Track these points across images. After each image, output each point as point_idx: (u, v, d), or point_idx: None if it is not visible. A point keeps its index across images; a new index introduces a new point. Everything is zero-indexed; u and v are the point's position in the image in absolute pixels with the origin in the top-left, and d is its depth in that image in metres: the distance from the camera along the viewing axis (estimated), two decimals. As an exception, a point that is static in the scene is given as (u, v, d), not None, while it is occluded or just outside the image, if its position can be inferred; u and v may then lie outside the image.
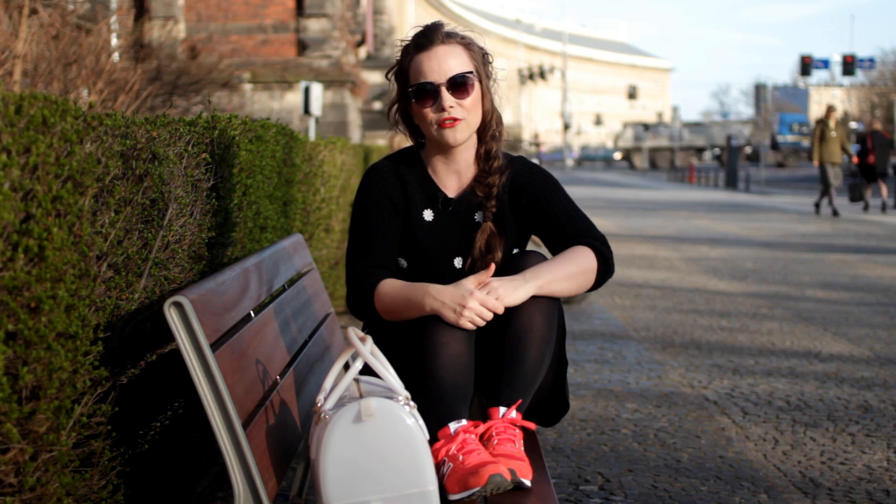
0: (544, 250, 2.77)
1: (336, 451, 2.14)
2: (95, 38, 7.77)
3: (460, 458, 2.25)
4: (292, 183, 4.81)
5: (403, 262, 2.68)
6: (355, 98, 17.77)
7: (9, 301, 1.73)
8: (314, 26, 16.14)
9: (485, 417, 2.44)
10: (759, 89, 34.41)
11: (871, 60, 45.18)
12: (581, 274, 2.55)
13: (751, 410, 4.65)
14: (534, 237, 2.78)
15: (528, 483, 2.26)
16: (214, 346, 2.15)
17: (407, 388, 2.26)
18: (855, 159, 20.22)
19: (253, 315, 2.63)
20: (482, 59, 2.64)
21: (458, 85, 2.56)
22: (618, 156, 68.31)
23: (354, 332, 2.27)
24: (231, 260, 3.25)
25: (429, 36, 2.59)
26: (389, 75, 2.68)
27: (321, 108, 12.61)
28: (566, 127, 62.94)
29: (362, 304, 2.57)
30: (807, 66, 36.97)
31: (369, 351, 2.25)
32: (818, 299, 8.15)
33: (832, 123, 18.80)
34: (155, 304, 2.50)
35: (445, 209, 2.66)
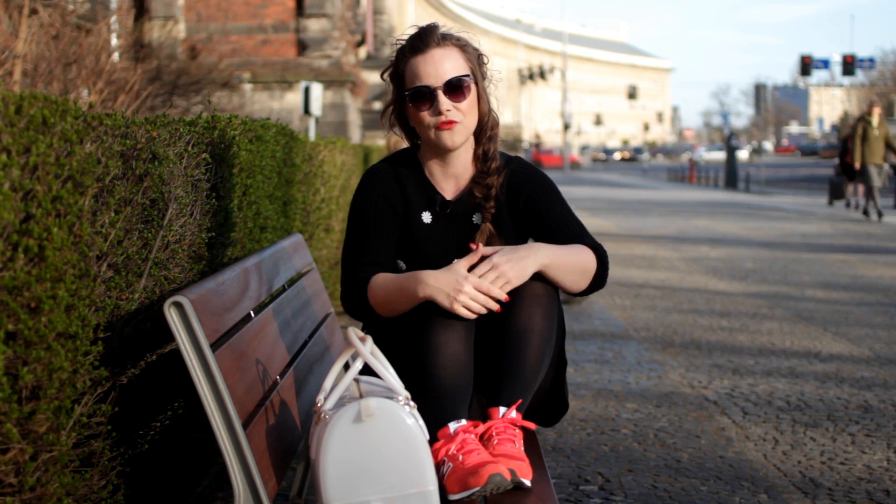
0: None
1: (336, 451, 2.14)
2: (95, 38, 7.77)
3: (460, 458, 2.25)
4: (292, 183, 4.81)
5: (402, 265, 2.68)
6: (355, 98, 17.78)
7: (9, 301, 1.73)
8: (314, 26, 16.14)
9: (485, 417, 2.44)
10: (759, 89, 34.35)
11: (871, 60, 45.16)
12: (581, 271, 2.55)
13: (751, 410, 4.65)
14: (531, 240, 2.78)
15: (528, 483, 2.26)
16: (214, 346, 2.15)
17: (407, 388, 2.26)
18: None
19: (253, 315, 2.63)
20: (478, 60, 2.64)
21: (455, 88, 2.55)
22: (617, 156, 68.22)
23: (354, 332, 2.27)
24: (231, 260, 3.25)
25: (424, 38, 2.58)
26: (385, 76, 2.68)
27: (321, 108, 12.62)
28: (566, 127, 62.95)
29: (356, 299, 2.56)
30: (807, 66, 36.95)
31: (369, 351, 2.25)
32: (818, 299, 8.15)
33: (876, 121, 17.09)
34: (155, 304, 2.50)
35: (443, 211, 2.66)
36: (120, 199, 2.32)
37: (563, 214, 2.65)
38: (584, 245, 2.59)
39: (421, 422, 2.21)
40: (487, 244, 2.62)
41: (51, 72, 6.85)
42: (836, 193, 21.37)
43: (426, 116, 2.56)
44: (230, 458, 2.12)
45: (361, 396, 2.22)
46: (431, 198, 2.66)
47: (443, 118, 2.54)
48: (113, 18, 10.54)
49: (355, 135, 17.11)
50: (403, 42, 2.62)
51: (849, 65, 36.63)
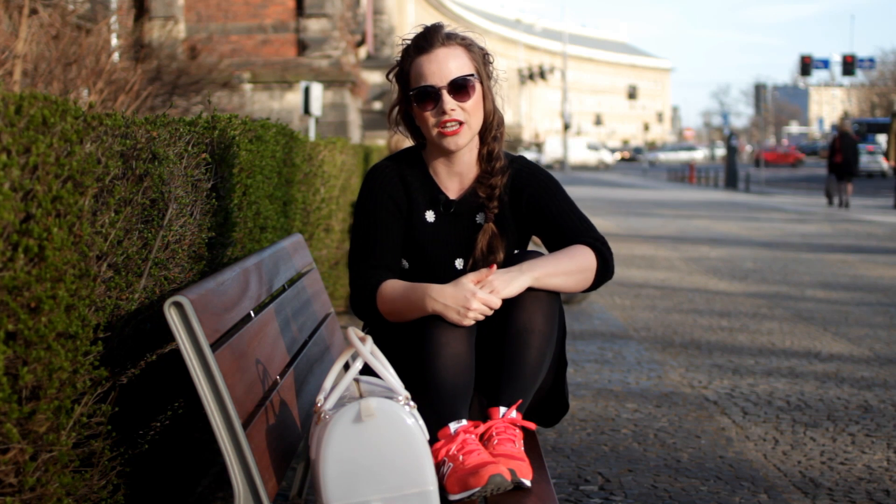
0: (545, 251, 2.76)
1: (336, 451, 2.14)
2: (95, 38, 7.76)
3: (460, 458, 2.25)
4: (292, 183, 4.80)
5: (405, 263, 2.68)
6: (355, 98, 17.77)
7: (9, 301, 1.73)
8: (314, 26, 16.14)
9: (485, 417, 2.44)
10: (759, 89, 34.33)
11: (871, 60, 45.19)
12: (579, 271, 2.54)
13: (751, 410, 4.65)
14: (534, 238, 2.78)
15: (528, 483, 2.26)
16: (214, 346, 2.15)
17: (407, 388, 2.26)
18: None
19: (253, 315, 2.62)
20: (483, 59, 2.63)
21: (460, 88, 2.55)
22: (617, 156, 68.13)
23: (354, 332, 2.27)
24: (231, 260, 3.24)
25: (429, 38, 2.58)
26: (390, 76, 2.67)
27: (321, 108, 12.61)
28: (566, 127, 62.91)
29: (365, 306, 2.57)
30: (807, 66, 36.97)
31: (369, 351, 2.25)
32: (818, 299, 8.15)
33: None
34: (155, 304, 2.50)
35: (447, 211, 2.66)
36: (120, 199, 2.32)
37: (565, 210, 2.64)
38: (580, 244, 2.58)
39: (421, 422, 2.21)
40: (490, 244, 2.63)
41: (51, 72, 6.85)
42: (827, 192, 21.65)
43: (431, 116, 2.56)
44: (230, 457, 2.12)
45: (361, 396, 2.22)
46: (435, 197, 2.66)
47: (447, 118, 2.54)
48: (113, 18, 10.54)
49: (355, 135, 17.10)
50: (409, 42, 2.62)
51: (849, 65, 36.67)
